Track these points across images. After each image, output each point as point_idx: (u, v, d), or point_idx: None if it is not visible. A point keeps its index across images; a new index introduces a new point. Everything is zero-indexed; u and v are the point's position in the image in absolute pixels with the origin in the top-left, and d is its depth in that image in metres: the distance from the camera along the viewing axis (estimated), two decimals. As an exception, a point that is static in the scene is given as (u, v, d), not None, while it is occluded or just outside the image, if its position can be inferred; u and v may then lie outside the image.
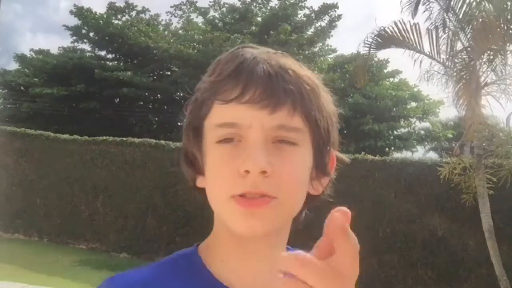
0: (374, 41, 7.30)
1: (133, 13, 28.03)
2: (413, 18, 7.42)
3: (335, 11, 25.04)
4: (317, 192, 0.68)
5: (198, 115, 0.65)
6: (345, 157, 0.72)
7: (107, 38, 26.41)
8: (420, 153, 24.66)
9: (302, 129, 0.61)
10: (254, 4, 27.11)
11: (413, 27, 6.98)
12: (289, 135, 0.61)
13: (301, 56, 24.00)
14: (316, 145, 0.64)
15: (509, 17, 6.24)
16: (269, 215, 0.60)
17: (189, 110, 0.68)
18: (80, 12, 26.01)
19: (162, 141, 10.74)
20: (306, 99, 0.61)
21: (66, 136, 11.37)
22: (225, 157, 0.61)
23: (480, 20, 6.44)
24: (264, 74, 0.59)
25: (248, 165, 0.58)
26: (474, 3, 6.91)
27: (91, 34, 27.01)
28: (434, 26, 7.23)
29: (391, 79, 24.70)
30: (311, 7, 25.67)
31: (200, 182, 0.70)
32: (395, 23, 6.99)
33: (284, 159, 0.60)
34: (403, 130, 24.40)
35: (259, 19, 26.86)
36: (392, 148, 23.18)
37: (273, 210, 0.60)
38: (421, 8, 7.47)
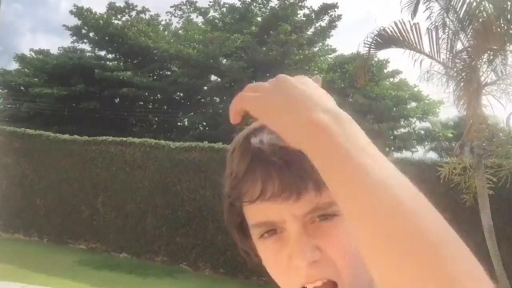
0: (374, 41, 7.30)
1: (133, 13, 28.07)
2: (413, 18, 7.42)
3: (335, 11, 25.07)
4: None
5: (235, 214, 0.64)
6: None
7: (107, 38, 26.43)
8: (420, 153, 24.68)
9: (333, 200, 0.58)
10: (254, 4, 27.12)
11: (413, 27, 6.97)
12: (326, 212, 0.58)
13: (301, 56, 24.04)
14: None
15: (509, 17, 6.24)
16: None
17: (225, 212, 0.66)
18: (80, 12, 26.03)
19: (162, 141, 10.74)
20: None
21: (66, 136, 11.37)
22: (271, 253, 0.61)
23: (480, 20, 6.44)
24: (275, 166, 0.57)
25: (295, 262, 0.57)
26: (474, 3, 6.91)
27: (91, 34, 27.04)
28: (434, 26, 7.23)
29: (391, 79, 24.72)
30: (311, 7, 25.72)
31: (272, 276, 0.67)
32: (395, 23, 6.98)
33: (328, 235, 0.58)
34: (403, 130, 24.43)
35: (259, 19, 26.87)
36: (392, 148, 23.19)
37: None
38: (421, 8, 7.47)
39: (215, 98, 25.89)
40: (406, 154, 22.67)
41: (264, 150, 0.59)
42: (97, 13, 26.62)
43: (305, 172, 0.56)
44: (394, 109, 22.92)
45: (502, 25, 6.24)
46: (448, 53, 7.07)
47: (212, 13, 28.12)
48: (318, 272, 0.57)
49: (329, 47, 26.73)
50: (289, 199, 0.56)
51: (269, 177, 0.57)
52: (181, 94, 26.97)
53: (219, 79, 25.06)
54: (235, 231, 0.65)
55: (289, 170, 0.57)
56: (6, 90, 27.36)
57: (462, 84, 6.47)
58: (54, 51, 28.02)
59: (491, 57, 6.75)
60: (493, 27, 6.12)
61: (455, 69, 6.81)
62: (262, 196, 0.57)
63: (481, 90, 6.69)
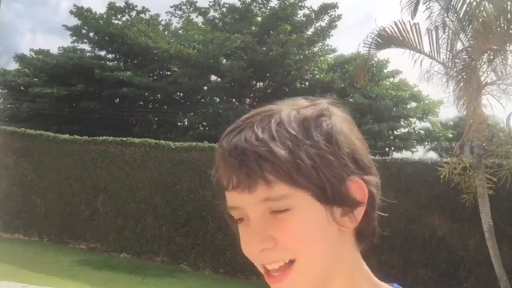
0: (374, 41, 7.30)
1: (133, 13, 28.05)
2: (413, 18, 7.42)
3: (335, 11, 25.05)
4: (351, 227, 0.68)
5: (222, 199, 0.72)
6: (373, 178, 0.70)
7: (107, 38, 26.43)
8: (420, 153, 24.69)
9: (288, 193, 0.63)
10: (254, 4, 27.11)
11: (413, 27, 6.97)
12: (278, 204, 0.64)
13: (301, 56, 24.03)
14: (315, 192, 0.64)
15: (509, 17, 6.23)
16: (299, 282, 0.65)
17: (222, 197, 0.73)
18: (80, 12, 26.02)
19: (162, 141, 10.74)
20: (273, 167, 0.63)
21: (66, 136, 11.37)
22: (242, 235, 0.69)
23: (480, 20, 6.44)
24: (231, 164, 0.65)
25: (246, 251, 0.67)
26: (474, 3, 6.91)
27: (91, 34, 27.03)
28: (434, 26, 7.23)
29: (391, 79, 24.70)
30: (311, 7, 25.70)
31: None
32: (395, 23, 6.98)
33: (283, 226, 0.64)
34: (403, 130, 24.41)
35: (259, 19, 26.86)
36: (392, 148, 23.18)
37: (297, 275, 0.65)
38: (421, 7, 7.48)
39: (215, 98, 25.87)
40: (406, 154, 22.68)
41: (226, 152, 0.66)
42: (97, 13, 26.62)
43: (254, 173, 0.63)
44: (394, 109, 22.90)
45: (502, 25, 6.24)
46: (448, 53, 7.08)
47: (212, 13, 28.12)
48: (272, 256, 0.64)
49: (329, 47, 26.71)
50: (244, 191, 0.64)
51: (229, 174, 0.65)
52: (181, 94, 26.96)
53: (219, 79, 25.05)
54: (228, 216, 0.72)
55: (239, 167, 0.64)
56: (6, 90, 27.36)
57: (462, 84, 6.47)
58: (54, 51, 28.03)
59: (491, 57, 6.75)
60: (493, 27, 6.12)
61: (455, 69, 6.81)
62: (229, 187, 0.66)
63: (481, 90, 6.69)
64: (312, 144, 0.65)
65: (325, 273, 0.67)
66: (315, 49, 25.93)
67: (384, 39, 7.23)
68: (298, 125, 0.66)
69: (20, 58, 26.98)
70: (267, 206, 0.64)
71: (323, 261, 0.66)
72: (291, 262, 0.64)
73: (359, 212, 0.67)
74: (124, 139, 10.88)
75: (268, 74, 24.83)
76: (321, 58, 25.94)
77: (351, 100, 21.68)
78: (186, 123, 25.97)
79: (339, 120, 0.70)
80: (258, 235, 0.65)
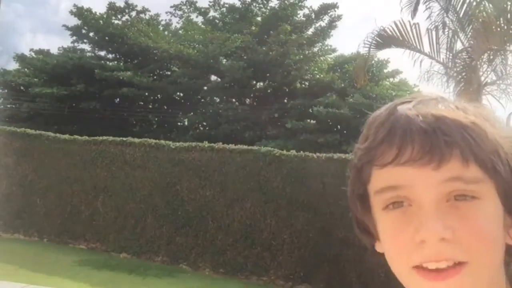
0: (374, 41, 7.30)
1: (133, 13, 28.06)
2: (413, 18, 7.43)
3: (335, 11, 25.07)
4: None
5: (359, 183, 0.61)
6: None
7: (107, 38, 26.43)
8: (420, 153, 24.65)
9: (481, 179, 0.55)
10: (254, 4, 27.11)
11: (413, 27, 6.98)
12: (469, 187, 0.54)
13: (301, 56, 24.03)
14: (503, 192, 0.57)
15: (509, 17, 6.24)
16: (465, 283, 0.54)
17: (351, 178, 0.63)
18: (80, 12, 26.02)
19: (162, 141, 10.74)
20: (476, 145, 0.55)
21: (66, 136, 11.36)
22: (396, 225, 0.57)
23: (480, 20, 6.44)
24: (420, 130, 0.54)
25: (423, 235, 0.53)
26: (474, 3, 6.91)
27: (91, 34, 27.04)
28: (434, 26, 7.24)
29: (391, 79, 24.71)
30: (311, 7, 25.73)
31: (378, 247, 0.65)
32: (395, 23, 6.99)
33: (465, 218, 0.54)
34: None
35: (259, 19, 26.86)
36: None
37: (467, 278, 0.54)
38: (421, 8, 7.48)
39: (215, 98, 25.87)
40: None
41: (409, 115, 0.56)
42: (97, 13, 26.63)
43: (453, 138, 0.54)
44: (394, 109, 22.88)
45: (502, 25, 6.24)
46: (448, 53, 7.08)
47: (212, 13, 28.12)
48: (446, 251, 0.53)
49: (329, 47, 26.72)
50: (429, 165, 0.53)
51: (409, 140, 0.54)
52: (181, 94, 26.96)
53: (219, 79, 25.05)
54: (356, 200, 0.63)
55: (435, 133, 0.54)
56: (6, 90, 27.35)
57: (462, 84, 6.47)
58: (54, 51, 28.05)
59: (491, 57, 6.76)
60: (493, 27, 6.12)
61: (455, 69, 6.81)
62: (396, 160, 0.54)
63: (481, 90, 6.69)
64: (505, 136, 0.59)
65: (489, 284, 0.58)
66: (315, 49, 25.94)
67: (384, 39, 7.23)
68: (484, 118, 0.60)
69: (20, 58, 26.98)
70: (451, 189, 0.54)
71: (493, 270, 0.57)
72: (461, 264, 0.54)
73: None
74: (124, 139, 10.88)
75: (268, 74, 24.82)
76: (321, 58, 25.95)
77: (351, 100, 21.67)
78: (186, 123, 25.97)
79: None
80: (437, 221, 0.53)
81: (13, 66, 28.03)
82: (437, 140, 0.53)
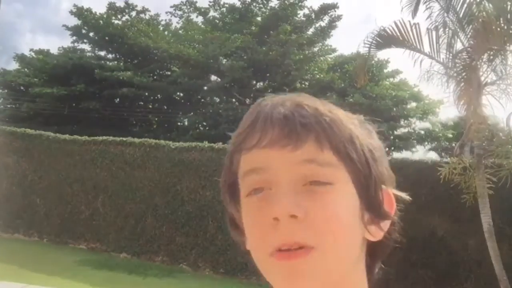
0: (374, 41, 7.30)
1: (133, 13, 28.05)
2: (413, 18, 7.42)
3: (335, 11, 25.07)
4: (375, 238, 0.60)
5: (230, 172, 0.62)
6: (403, 194, 0.66)
7: (107, 38, 26.43)
8: (420, 153, 24.67)
9: (335, 164, 0.56)
10: (254, 4, 27.10)
11: (413, 27, 6.97)
12: (322, 171, 0.55)
13: (301, 56, 24.03)
14: (358, 182, 0.58)
15: (509, 17, 6.23)
16: (313, 270, 0.54)
17: (223, 169, 0.64)
18: (80, 12, 26.02)
19: (162, 141, 10.74)
20: (331, 131, 0.57)
21: (66, 136, 11.37)
22: (255, 211, 0.57)
23: (480, 20, 6.44)
24: (280, 115, 0.57)
25: (275, 211, 0.54)
26: (474, 3, 6.91)
27: (91, 34, 27.04)
28: (434, 26, 7.23)
29: (391, 79, 24.72)
30: (311, 7, 25.71)
31: (247, 244, 0.62)
32: (395, 23, 6.98)
33: (318, 201, 0.55)
34: (403, 130, 24.42)
35: (259, 19, 26.86)
36: (392, 148, 23.18)
37: (316, 262, 0.54)
38: (421, 7, 7.47)
39: (215, 98, 25.88)
40: (406, 154, 22.68)
41: (273, 103, 0.59)
42: (97, 13, 26.62)
43: (309, 122, 0.56)
44: (394, 109, 22.90)
45: (502, 25, 6.24)
46: (448, 53, 7.07)
47: (212, 13, 28.11)
48: (298, 231, 0.53)
49: (329, 47, 26.72)
50: (286, 147, 0.55)
51: (270, 125, 0.56)
52: (181, 94, 26.97)
53: (219, 79, 25.04)
54: (227, 191, 0.63)
55: (293, 117, 0.56)
56: (6, 90, 27.36)
57: (462, 84, 6.47)
58: (54, 51, 28.05)
59: (491, 57, 6.75)
60: (493, 27, 6.12)
61: (455, 69, 6.81)
62: (259, 143, 0.56)
63: (481, 90, 6.69)
64: (363, 134, 0.62)
65: (348, 275, 0.58)
66: (315, 49, 25.95)
67: (384, 39, 7.23)
68: (356, 119, 0.64)
69: (20, 58, 27.00)
70: (307, 172, 0.55)
71: (344, 261, 0.57)
72: (310, 248, 0.54)
73: (385, 225, 0.61)
74: (124, 139, 10.88)
75: (268, 74, 24.83)
76: (321, 58, 25.96)
77: (351, 100, 21.67)
78: (186, 123, 25.98)
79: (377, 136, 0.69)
80: (289, 198, 0.54)
81: (13, 66, 28.10)
82: (294, 123, 0.55)
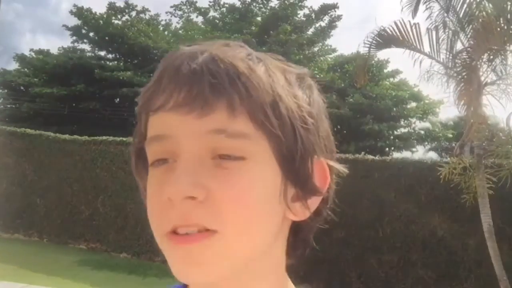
0: (374, 41, 7.30)
1: (133, 13, 28.07)
2: (413, 18, 7.42)
3: (335, 11, 25.09)
4: (299, 217, 0.53)
5: (139, 133, 0.54)
6: (341, 167, 0.56)
7: (107, 38, 26.43)
8: (420, 153, 24.68)
9: (250, 135, 0.47)
10: (254, 4, 27.12)
11: (413, 27, 6.97)
12: (233, 144, 0.47)
13: (301, 56, 24.04)
14: (280, 154, 0.49)
15: (509, 17, 6.23)
16: (213, 256, 0.47)
17: (135, 130, 0.56)
18: (80, 12, 26.03)
19: (162, 141, 10.73)
20: (247, 94, 0.47)
21: (66, 136, 11.36)
22: (155, 185, 0.49)
23: (480, 20, 6.44)
24: (188, 72, 0.47)
25: (167, 190, 0.46)
26: (474, 3, 6.91)
27: (91, 34, 27.05)
28: (434, 26, 7.23)
29: (391, 79, 24.73)
30: (311, 7, 25.74)
31: None
32: (395, 23, 6.98)
33: (225, 179, 0.47)
34: (403, 130, 24.43)
35: (259, 19, 26.88)
36: (392, 148, 23.19)
37: (216, 248, 0.46)
38: (421, 7, 7.47)
39: (215, 98, 25.89)
40: (406, 154, 22.69)
41: (185, 54, 0.49)
42: (97, 13, 26.64)
43: (220, 83, 0.46)
44: (394, 109, 22.91)
45: (502, 25, 6.24)
46: (448, 53, 7.07)
47: (212, 13, 28.14)
48: (194, 213, 0.46)
49: (329, 47, 26.75)
50: (193, 111, 0.46)
51: (175, 84, 0.47)
52: (181, 94, 26.98)
53: (219, 79, 25.05)
54: (135, 158, 0.56)
55: (202, 75, 0.46)
56: (6, 90, 27.37)
57: (462, 84, 6.47)
58: (54, 51, 28.05)
59: (491, 57, 6.75)
60: (493, 27, 6.12)
61: (455, 69, 6.81)
62: (165, 105, 0.47)
63: (481, 90, 6.69)
64: (295, 95, 0.51)
65: (252, 259, 0.50)
66: (315, 49, 25.97)
67: (384, 39, 7.23)
68: (280, 71, 0.52)
69: (20, 58, 27.00)
70: (215, 144, 0.47)
71: (257, 243, 0.50)
72: (211, 232, 0.47)
73: (314, 202, 0.53)
74: (124, 139, 10.87)
75: (268, 74, 24.81)
76: (321, 58, 25.97)
77: (351, 100, 21.68)
78: (186, 123, 25.97)
79: (319, 94, 0.58)
80: (188, 176, 0.46)
81: (13, 66, 28.09)
82: (202, 84, 0.46)
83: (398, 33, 7.00)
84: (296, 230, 0.56)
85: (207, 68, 0.47)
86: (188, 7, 28.29)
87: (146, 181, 0.52)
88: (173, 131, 0.48)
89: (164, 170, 0.48)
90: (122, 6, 27.78)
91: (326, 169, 0.53)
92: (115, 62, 27.04)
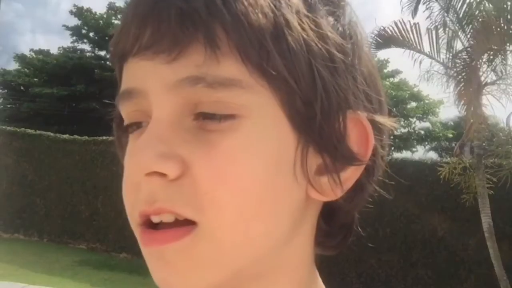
0: (374, 41, 7.30)
1: (133, 13, 28.09)
2: (413, 18, 7.42)
3: (335, 11, 25.10)
4: (330, 196, 0.38)
5: (118, 88, 0.41)
6: (391, 122, 0.42)
7: (107, 38, 26.43)
8: (420, 153, 24.69)
9: (242, 82, 0.33)
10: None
11: (413, 27, 6.98)
12: (216, 97, 0.33)
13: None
14: (293, 108, 0.35)
15: (509, 17, 6.24)
16: (191, 261, 0.34)
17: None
18: (80, 12, 26.05)
19: (162, 141, 10.74)
20: (239, 22, 0.32)
21: (66, 136, 11.37)
22: (128, 154, 0.38)
23: (480, 20, 6.45)
24: (162, 5, 0.33)
25: (128, 166, 0.35)
26: (474, 3, 6.91)
27: (91, 34, 27.06)
28: (434, 26, 7.24)
29: (391, 79, 24.73)
30: (311, 7, 25.72)
31: None
32: (395, 23, 6.99)
33: (208, 147, 0.33)
34: (403, 130, 24.43)
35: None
36: (392, 148, 23.20)
37: (197, 250, 0.33)
38: (421, 7, 7.48)
39: (215, 98, 25.93)
40: (406, 154, 22.69)
41: None
42: (97, 13, 26.66)
43: (196, 9, 0.32)
44: (394, 109, 22.93)
45: (502, 25, 6.24)
46: (448, 53, 7.08)
47: (212, 13, 28.19)
48: (161, 196, 0.33)
49: (329, 47, 26.75)
50: (161, 54, 0.33)
51: (144, 22, 0.34)
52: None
53: (219, 79, 25.10)
54: (115, 125, 0.45)
55: (175, 10, 0.32)
56: (6, 90, 27.37)
57: (462, 84, 6.47)
58: (54, 51, 28.05)
59: (491, 57, 6.75)
60: (493, 27, 6.12)
61: (455, 69, 6.81)
62: (134, 48, 0.35)
63: (481, 90, 6.69)
64: (316, 23, 0.35)
65: (262, 262, 0.36)
66: (315, 49, 25.97)
67: (384, 39, 7.23)
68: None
69: (20, 58, 27.01)
70: (193, 100, 0.33)
71: (261, 239, 0.35)
72: (192, 225, 0.33)
73: (351, 176, 0.38)
74: (124, 139, 10.88)
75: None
76: (321, 58, 25.97)
77: (351, 100, 21.66)
78: (186, 123, 26.00)
79: (360, 26, 0.40)
80: (154, 145, 0.33)
81: (13, 66, 28.09)
82: (176, 18, 0.32)
83: (398, 33, 7.00)
84: (330, 213, 0.41)
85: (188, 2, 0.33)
86: (188, 7, 28.37)
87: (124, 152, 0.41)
88: (142, 83, 0.35)
89: (137, 137, 0.37)
90: (122, 6, 27.80)
91: (367, 127, 0.38)
92: (115, 62, 27.06)
